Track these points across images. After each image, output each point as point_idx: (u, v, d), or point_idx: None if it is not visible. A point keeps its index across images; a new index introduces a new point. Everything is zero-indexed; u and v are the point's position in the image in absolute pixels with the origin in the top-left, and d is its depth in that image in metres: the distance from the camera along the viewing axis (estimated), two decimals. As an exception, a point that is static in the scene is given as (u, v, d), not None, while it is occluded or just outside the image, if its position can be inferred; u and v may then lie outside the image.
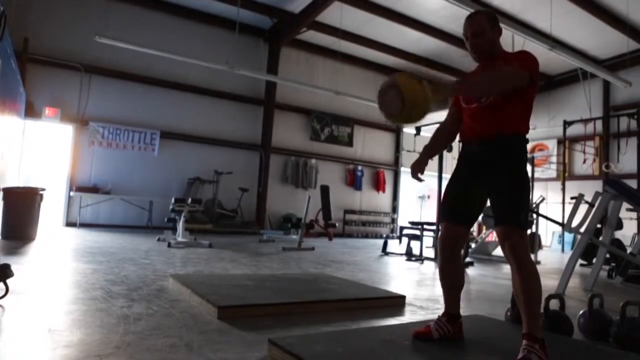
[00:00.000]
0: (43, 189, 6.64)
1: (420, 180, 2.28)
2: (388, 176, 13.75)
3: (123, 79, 9.67)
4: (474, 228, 11.31)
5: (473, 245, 8.34)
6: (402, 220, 13.03)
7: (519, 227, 1.91)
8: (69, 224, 9.11)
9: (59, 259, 4.54)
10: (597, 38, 10.75)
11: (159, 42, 9.30)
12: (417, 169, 2.26)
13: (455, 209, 2.14)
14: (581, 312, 2.65)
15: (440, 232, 2.21)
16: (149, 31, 9.80)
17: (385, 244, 7.84)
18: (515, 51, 2.12)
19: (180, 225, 6.88)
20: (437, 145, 2.33)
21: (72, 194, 8.98)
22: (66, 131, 9.28)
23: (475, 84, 1.99)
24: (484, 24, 2.09)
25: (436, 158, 7.90)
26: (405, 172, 14.13)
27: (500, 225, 1.95)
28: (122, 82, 9.68)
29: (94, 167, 9.43)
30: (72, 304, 2.61)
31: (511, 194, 1.95)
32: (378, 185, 13.43)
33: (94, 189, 9.16)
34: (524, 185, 1.99)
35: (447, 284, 2.19)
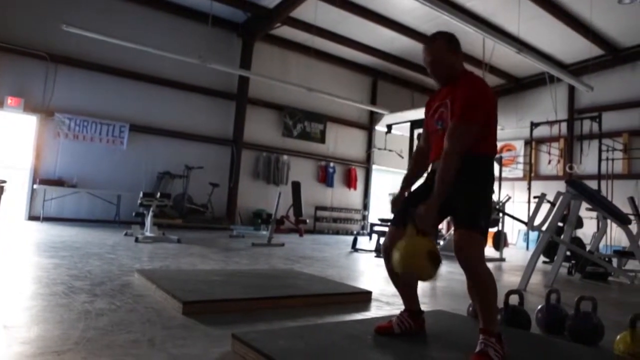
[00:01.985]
0: (4, 181, 6.40)
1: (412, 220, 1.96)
2: (360, 173, 13.85)
3: (91, 69, 9.40)
4: (443, 226, 11.52)
5: (441, 242, 8.49)
6: (373, 217, 13.16)
7: (474, 231, 1.89)
8: (32, 217, 8.82)
9: (19, 253, 4.41)
10: (563, 43, 11.09)
11: (129, 33, 9.08)
12: (398, 206, 2.20)
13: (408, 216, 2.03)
14: (539, 307, 2.75)
15: (385, 239, 2.14)
16: (119, 21, 9.55)
17: (355, 241, 7.90)
18: (472, 79, 2.04)
19: (148, 220, 6.78)
20: (417, 171, 2.32)
21: (35, 186, 8.70)
22: (30, 122, 8.98)
23: (443, 179, 1.91)
24: (442, 51, 2.07)
25: (406, 158, 8.02)
26: (376, 170, 14.27)
27: (456, 229, 1.94)
28: (90, 72, 9.41)
29: (60, 160, 9.15)
30: (31, 300, 2.54)
31: (466, 199, 1.94)
32: (349, 182, 13.51)
33: (59, 182, 8.90)
34: (481, 191, 1.99)
35: (400, 286, 2.21)
